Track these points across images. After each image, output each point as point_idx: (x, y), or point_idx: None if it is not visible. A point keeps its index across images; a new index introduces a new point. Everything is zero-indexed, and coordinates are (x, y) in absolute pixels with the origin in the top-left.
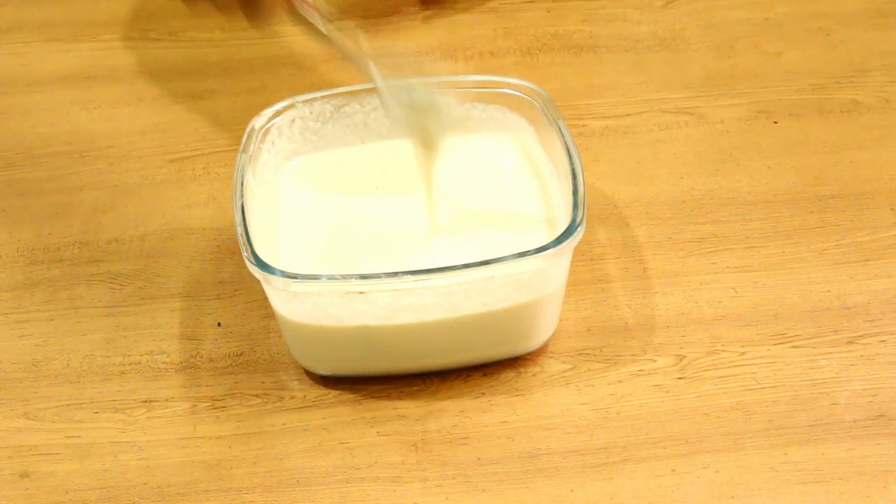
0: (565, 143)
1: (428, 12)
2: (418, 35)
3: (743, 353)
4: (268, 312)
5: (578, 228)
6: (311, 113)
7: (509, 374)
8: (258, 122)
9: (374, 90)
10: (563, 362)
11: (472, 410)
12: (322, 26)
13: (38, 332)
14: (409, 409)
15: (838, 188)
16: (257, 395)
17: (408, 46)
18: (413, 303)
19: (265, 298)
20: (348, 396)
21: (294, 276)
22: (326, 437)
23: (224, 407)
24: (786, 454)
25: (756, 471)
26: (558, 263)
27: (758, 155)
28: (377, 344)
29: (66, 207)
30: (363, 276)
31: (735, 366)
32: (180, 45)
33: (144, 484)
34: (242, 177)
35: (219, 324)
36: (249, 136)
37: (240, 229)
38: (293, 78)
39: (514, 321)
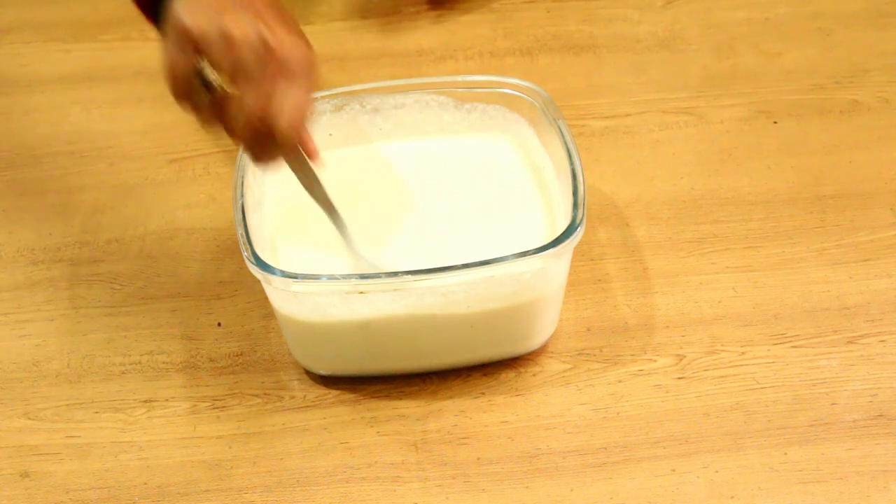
0: (565, 143)
1: (436, 13)
2: (418, 35)
3: (743, 353)
4: (268, 312)
5: (578, 228)
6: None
7: (509, 374)
8: None
9: (373, 90)
10: (563, 362)
11: (472, 410)
12: (317, 178)
13: (38, 332)
14: (409, 409)
15: (838, 188)
16: (257, 395)
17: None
18: (413, 303)
19: (265, 298)
20: (348, 396)
21: (294, 276)
22: (326, 437)
23: (224, 407)
24: (785, 454)
25: (756, 471)
26: (558, 263)
27: (758, 155)
28: (377, 344)
29: (66, 207)
30: (363, 276)
31: (735, 366)
32: None
33: (144, 484)
34: (242, 177)
35: (219, 324)
36: None
37: (240, 229)
38: None
39: (514, 321)
